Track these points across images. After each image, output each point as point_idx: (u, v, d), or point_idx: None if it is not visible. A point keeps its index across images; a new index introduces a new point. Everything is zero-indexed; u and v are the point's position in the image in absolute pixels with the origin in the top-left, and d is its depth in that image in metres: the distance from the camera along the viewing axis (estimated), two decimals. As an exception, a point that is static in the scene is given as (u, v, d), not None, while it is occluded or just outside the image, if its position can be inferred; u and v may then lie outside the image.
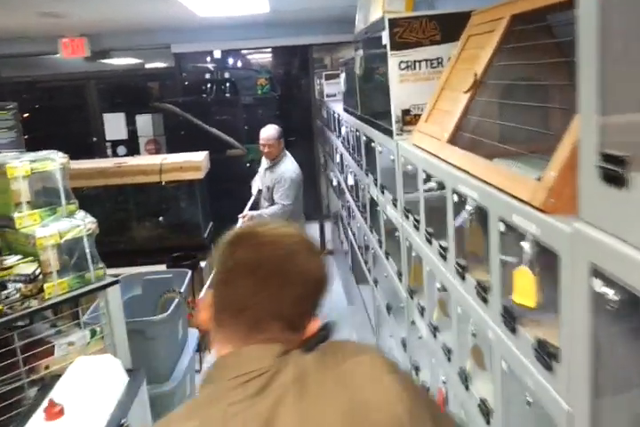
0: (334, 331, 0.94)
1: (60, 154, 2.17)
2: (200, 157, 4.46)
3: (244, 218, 4.32)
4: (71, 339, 2.16)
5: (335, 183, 5.44)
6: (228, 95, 5.77)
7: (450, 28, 2.05)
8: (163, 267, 4.40)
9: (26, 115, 6.24)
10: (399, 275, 2.32)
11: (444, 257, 1.61)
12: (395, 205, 2.27)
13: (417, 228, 1.93)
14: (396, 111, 2.12)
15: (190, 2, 3.89)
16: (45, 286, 2.04)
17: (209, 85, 5.80)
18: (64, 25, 4.90)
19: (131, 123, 6.27)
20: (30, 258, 2.02)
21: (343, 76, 3.98)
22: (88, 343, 2.20)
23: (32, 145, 5.85)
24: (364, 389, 0.83)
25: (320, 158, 6.53)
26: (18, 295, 1.96)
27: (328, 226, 6.79)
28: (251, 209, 4.49)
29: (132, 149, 6.24)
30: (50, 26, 4.87)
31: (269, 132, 4.31)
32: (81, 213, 2.20)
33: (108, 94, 6.33)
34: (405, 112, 2.12)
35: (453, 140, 1.60)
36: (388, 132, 2.22)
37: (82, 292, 2.13)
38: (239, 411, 0.79)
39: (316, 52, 6.49)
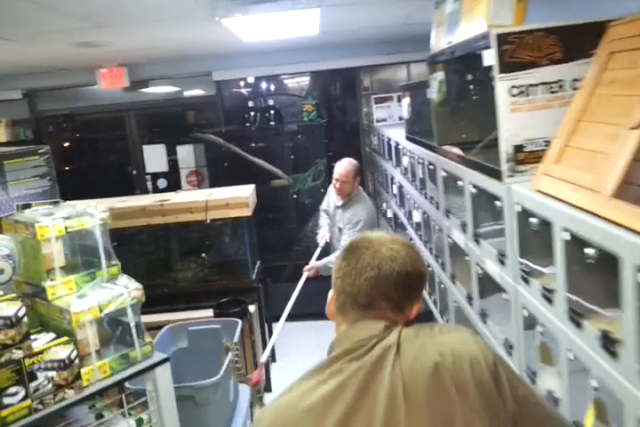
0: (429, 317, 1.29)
1: (100, 207, 1.83)
2: (247, 192, 4.10)
3: (310, 271, 4.01)
4: (113, 432, 1.78)
5: (390, 215, 5.03)
6: (272, 123, 5.44)
7: (574, 43, 1.65)
8: (209, 312, 4.03)
9: (65, 144, 6.07)
10: (509, 347, 1.88)
11: (610, 351, 1.18)
12: (502, 263, 1.85)
13: (549, 300, 1.50)
14: (506, 147, 1.71)
15: (236, 27, 3.58)
16: (83, 371, 1.68)
17: (252, 113, 5.48)
18: (102, 55, 4.67)
19: (171, 153, 6.00)
20: (64, 339, 1.65)
21: (406, 100, 3.59)
22: (133, 436, 1.81)
23: (69, 180, 5.63)
24: (453, 345, 1.02)
25: (369, 187, 6.13)
26: (50, 386, 1.59)
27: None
28: (318, 258, 4.14)
29: (173, 181, 5.96)
30: (87, 56, 4.64)
31: (346, 167, 3.91)
32: (123, 278, 1.84)
33: (147, 125, 6.08)
34: (518, 148, 1.71)
35: (622, 193, 1.18)
36: (493, 173, 1.81)
37: (127, 376, 1.75)
38: (349, 368, 1.01)
39: (350, 75, 6.13)
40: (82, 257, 1.78)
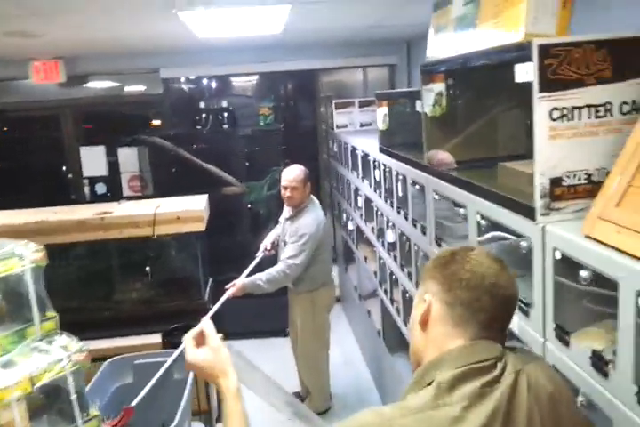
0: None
1: (32, 246, 1.43)
2: (201, 204, 3.70)
3: (234, 289, 3.41)
4: None
5: (351, 227, 4.75)
6: (225, 126, 5.05)
7: (627, 59, 1.39)
8: (156, 337, 3.62)
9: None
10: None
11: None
12: (524, 313, 1.57)
13: (604, 374, 1.23)
14: (541, 180, 1.43)
15: (194, 21, 3.19)
16: (7, 463, 1.28)
17: (203, 115, 5.07)
18: (36, 46, 4.16)
19: (112, 155, 5.49)
20: (-18, 424, 1.25)
21: (383, 110, 3.30)
22: None
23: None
24: (554, 379, 1.08)
25: (327, 195, 5.83)
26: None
27: (335, 269, 6.07)
28: (252, 273, 3.56)
29: (114, 186, 5.46)
30: (19, 47, 4.12)
31: (294, 172, 3.54)
32: (62, 337, 1.45)
33: (85, 124, 5.54)
34: (555, 182, 1.44)
35: None
36: (523, 209, 1.52)
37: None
38: (493, 395, 0.98)
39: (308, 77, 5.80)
40: (8, 313, 1.38)
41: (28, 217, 3.52)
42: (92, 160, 5.32)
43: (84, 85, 5.46)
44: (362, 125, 5.23)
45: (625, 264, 1.13)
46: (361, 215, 4.19)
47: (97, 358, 3.14)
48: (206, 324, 1.31)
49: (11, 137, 5.57)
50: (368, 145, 3.85)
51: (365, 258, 4.26)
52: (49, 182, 5.40)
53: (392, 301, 3.39)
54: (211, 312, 3.40)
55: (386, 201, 3.26)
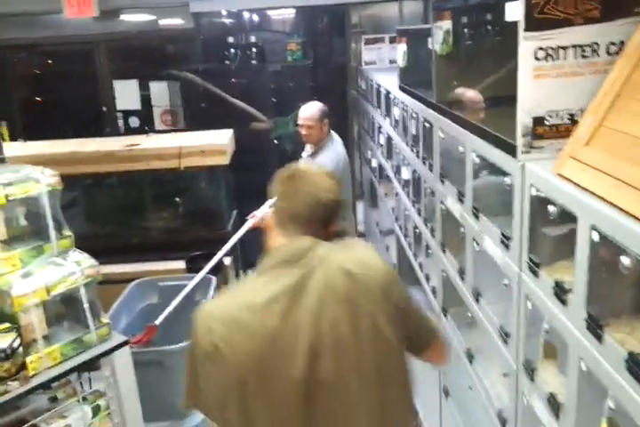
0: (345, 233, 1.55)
1: (48, 171, 1.57)
2: (225, 139, 3.81)
3: (254, 220, 3.57)
4: (67, 421, 1.61)
5: (374, 164, 4.80)
6: (254, 62, 5.06)
7: (616, -1, 1.39)
8: (181, 263, 3.85)
9: (29, 77, 5.66)
10: (505, 335, 1.72)
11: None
12: (505, 246, 1.66)
13: (563, 302, 1.32)
14: (524, 119, 1.48)
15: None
16: (29, 359, 1.48)
17: (232, 50, 5.08)
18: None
19: (145, 90, 5.60)
20: (5, 325, 1.44)
21: (402, 47, 3.28)
22: (90, 425, 1.64)
23: (35, 116, 5.26)
24: (361, 257, 1.42)
25: (354, 132, 5.84)
26: (-11, 379, 1.39)
27: (360, 206, 6.17)
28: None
29: (146, 119, 5.60)
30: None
31: (310, 110, 3.56)
32: (76, 253, 1.61)
33: (119, 59, 5.62)
34: (538, 121, 1.48)
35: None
36: (505, 146, 1.58)
37: (80, 363, 1.56)
38: (293, 272, 1.33)
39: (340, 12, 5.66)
40: (27, 231, 1.54)
41: (60, 148, 3.71)
42: (126, 94, 5.44)
43: (117, 18, 5.49)
44: (391, 62, 5.15)
45: (582, 200, 1.20)
46: (382, 153, 4.24)
47: (126, 279, 3.42)
48: None
49: (46, 71, 5.71)
50: (391, 83, 3.84)
51: (385, 195, 4.34)
52: (84, 115, 5.56)
53: (406, 236, 3.50)
54: (231, 241, 3.58)
55: (403, 139, 3.30)
